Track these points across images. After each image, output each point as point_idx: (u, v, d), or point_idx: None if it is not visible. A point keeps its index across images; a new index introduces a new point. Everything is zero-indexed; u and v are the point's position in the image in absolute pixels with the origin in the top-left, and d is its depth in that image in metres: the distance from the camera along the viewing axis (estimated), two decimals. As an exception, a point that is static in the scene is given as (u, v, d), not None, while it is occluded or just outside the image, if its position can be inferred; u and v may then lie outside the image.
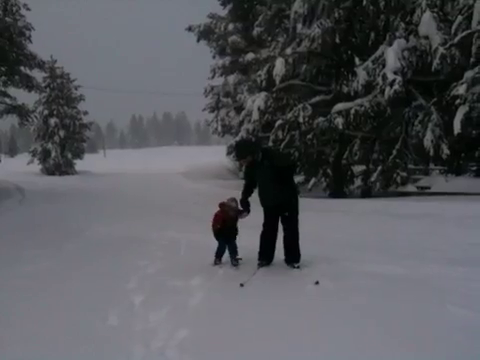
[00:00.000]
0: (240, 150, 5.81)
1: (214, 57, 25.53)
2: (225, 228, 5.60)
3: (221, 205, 5.63)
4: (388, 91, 11.88)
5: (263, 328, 3.64)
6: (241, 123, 19.99)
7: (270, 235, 5.64)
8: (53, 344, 3.50)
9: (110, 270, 5.64)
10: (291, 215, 5.54)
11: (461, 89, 10.91)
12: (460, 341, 3.25)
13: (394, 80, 11.75)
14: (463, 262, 5.21)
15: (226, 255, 5.74)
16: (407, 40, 12.37)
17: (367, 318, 3.72)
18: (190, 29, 24.82)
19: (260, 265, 5.58)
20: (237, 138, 20.32)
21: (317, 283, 4.66)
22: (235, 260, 5.66)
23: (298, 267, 5.44)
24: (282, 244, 5.58)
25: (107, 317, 3.97)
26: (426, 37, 12.02)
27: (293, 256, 5.53)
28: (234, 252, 5.72)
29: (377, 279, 4.73)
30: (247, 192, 5.75)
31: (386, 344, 3.25)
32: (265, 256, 5.69)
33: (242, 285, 4.73)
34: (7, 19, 15.76)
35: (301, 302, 4.21)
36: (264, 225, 5.72)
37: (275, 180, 5.41)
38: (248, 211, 5.62)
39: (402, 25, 12.75)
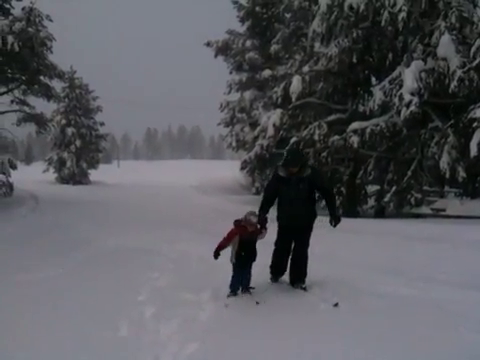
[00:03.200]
0: (297, 156, 5.45)
1: (231, 72, 25.74)
2: (246, 247, 4.97)
3: (237, 222, 5.00)
4: (404, 112, 11.84)
5: (273, 345, 3.60)
6: (255, 139, 20.03)
7: (285, 254, 5.46)
8: (61, 353, 3.49)
9: (121, 281, 5.64)
10: (307, 237, 5.38)
11: (478, 112, 10.83)
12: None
13: (411, 101, 11.71)
14: (477, 287, 5.10)
15: None
16: (425, 62, 12.34)
17: (380, 341, 3.66)
18: (208, 44, 25.08)
19: (272, 280, 5.59)
20: (251, 153, 20.36)
21: (336, 305, 4.57)
22: (247, 290, 5.09)
23: (305, 288, 5.29)
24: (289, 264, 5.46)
25: (117, 328, 3.98)
26: (444, 59, 11.99)
27: (300, 277, 5.38)
28: (247, 281, 5.14)
29: (389, 301, 4.67)
30: (267, 207, 5.37)
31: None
32: (279, 272, 5.60)
33: (258, 303, 4.68)
34: (30, 29, 16.04)
35: (313, 321, 4.17)
36: (278, 244, 5.51)
37: (307, 200, 5.27)
38: (266, 229, 5.19)
39: (420, 47, 12.74)
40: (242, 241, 4.94)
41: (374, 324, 4.00)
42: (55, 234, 9.93)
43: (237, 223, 4.99)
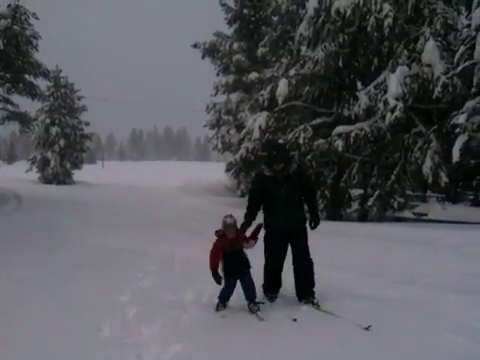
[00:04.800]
0: (282, 151, 4.93)
1: (218, 74, 25.74)
2: (228, 260, 4.51)
3: (217, 232, 4.57)
4: (389, 117, 11.96)
5: (257, 346, 3.62)
6: (241, 141, 20.03)
7: (280, 265, 4.93)
8: (42, 354, 3.46)
9: (103, 281, 5.60)
10: (305, 241, 4.91)
11: (461, 118, 10.99)
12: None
13: (395, 106, 11.83)
14: (457, 290, 5.19)
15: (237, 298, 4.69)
16: (410, 67, 12.49)
17: (360, 343, 3.70)
18: (195, 46, 25.06)
19: (271, 299, 4.93)
20: (237, 155, 20.34)
21: (368, 328, 3.96)
22: (254, 304, 4.52)
23: (317, 303, 4.70)
24: (293, 276, 4.92)
25: (100, 328, 3.95)
26: (429, 65, 12.14)
27: (309, 289, 4.84)
28: (251, 293, 4.57)
29: (370, 303, 4.71)
30: (253, 213, 4.87)
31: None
32: (275, 289, 5.03)
33: (295, 320, 4.21)
34: (15, 27, 15.89)
35: (301, 320, 4.20)
36: (269, 255, 4.93)
37: (296, 201, 4.86)
38: (256, 238, 4.66)
39: (405, 52, 12.89)
40: (226, 253, 4.50)
41: (355, 326, 4.03)
42: (38, 233, 9.82)
43: (217, 233, 4.57)
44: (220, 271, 4.54)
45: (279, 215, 4.82)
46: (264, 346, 3.61)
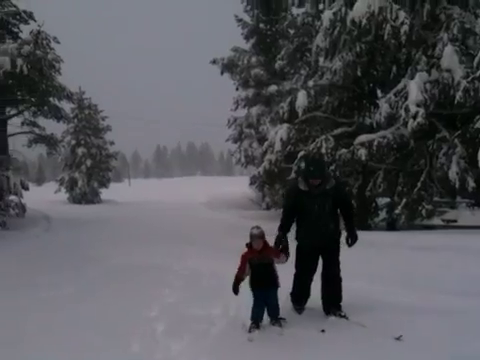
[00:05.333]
0: (320, 166, 4.87)
1: (237, 89, 26.00)
2: (255, 272, 4.43)
3: (247, 245, 4.53)
4: (411, 123, 11.86)
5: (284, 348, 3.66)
6: (264, 154, 20.08)
7: (309, 277, 4.92)
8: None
9: (132, 298, 5.71)
10: (336, 257, 4.88)
11: (485, 121, 10.86)
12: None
13: (417, 112, 11.74)
14: None
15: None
16: (429, 73, 12.41)
17: (397, 353, 3.70)
18: (214, 62, 25.40)
19: (299, 311, 4.95)
20: (260, 168, 20.42)
21: (399, 338, 3.97)
22: (277, 320, 4.50)
23: (345, 316, 4.70)
24: (320, 289, 4.94)
25: (129, 345, 4.04)
26: (448, 70, 12.04)
27: (336, 303, 4.84)
28: (275, 312, 4.52)
29: (401, 312, 4.68)
30: (288, 225, 4.87)
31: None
32: (303, 299, 5.01)
33: (323, 331, 4.22)
34: (38, 52, 16.42)
35: (330, 331, 4.21)
36: (300, 266, 4.92)
37: (333, 216, 4.80)
38: (288, 254, 4.69)
39: (424, 58, 12.81)
40: (253, 265, 4.45)
41: (385, 336, 4.02)
42: (67, 253, 10.05)
43: (247, 245, 4.54)
44: (247, 285, 4.51)
45: (311, 230, 4.77)
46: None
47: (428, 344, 3.79)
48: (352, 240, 4.87)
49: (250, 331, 4.36)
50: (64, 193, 33.95)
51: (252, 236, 4.47)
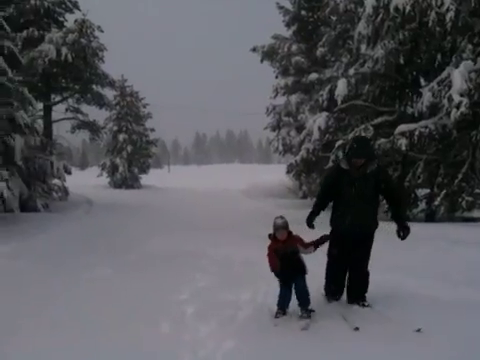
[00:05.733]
0: (365, 145, 4.63)
1: (277, 77, 25.82)
2: (280, 262, 4.31)
3: (270, 236, 4.46)
4: (454, 113, 11.50)
5: (309, 347, 3.68)
6: (302, 142, 19.95)
7: (343, 266, 4.71)
8: (108, 347, 3.73)
9: (164, 282, 5.86)
10: (368, 249, 4.64)
11: None
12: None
13: (460, 102, 11.36)
14: None
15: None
16: (475, 62, 11.96)
17: (415, 344, 3.67)
18: (254, 50, 25.27)
19: (330, 299, 4.77)
20: (297, 157, 20.31)
21: (419, 330, 3.89)
22: (305, 311, 4.36)
23: (368, 305, 4.60)
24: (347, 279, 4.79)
25: (158, 325, 4.17)
26: (495, 58, 11.60)
27: (361, 295, 4.68)
28: (304, 299, 4.39)
29: (428, 305, 4.64)
30: (323, 204, 4.71)
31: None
32: (337, 291, 4.79)
33: (357, 329, 4.01)
34: (82, 40, 16.85)
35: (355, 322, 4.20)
36: (333, 254, 4.69)
37: (371, 202, 4.54)
38: (317, 247, 4.46)
39: (470, 47, 12.36)
40: (278, 255, 4.31)
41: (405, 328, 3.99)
42: (106, 236, 10.36)
43: (270, 236, 4.46)
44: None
45: (345, 215, 4.53)
46: (314, 346, 3.67)
47: (448, 336, 3.74)
48: (404, 233, 4.55)
49: (276, 316, 4.34)
50: (105, 178, 34.84)
51: (276, 226, 4.36)
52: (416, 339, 3.77)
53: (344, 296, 4.86)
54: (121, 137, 33.75)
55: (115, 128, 33.94)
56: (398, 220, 4.59)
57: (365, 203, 4.49)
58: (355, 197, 4.45)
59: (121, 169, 33.56)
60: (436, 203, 12.91)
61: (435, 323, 4.05)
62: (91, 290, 5.47)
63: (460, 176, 12.48)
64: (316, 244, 4.46)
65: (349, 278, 4.77)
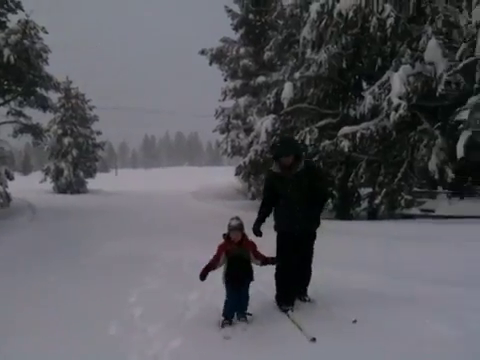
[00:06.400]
0: (290, 144, 4.73)
1: (225, 79, 26.03)
2: (231, 263, 4.22)
3: (224, 235, 4.35)
4: (393, 115, 12.04)
5: (252, 340, 3.80)
6: (250, 144, 20.22)
7: (293, 271, 4.61)
8: (55, 351, 3.70)
9: (113, 286, 5.84)
10: (311, 249, 4.74)
11: (464, 114, 11.06)
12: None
13: (399, 105, 11.91)
14: (456, 283, 5.35)
15: None
16: (413, 66, 12.56)
17: (360, 334, 3.88)
18: (203, 52, 25.36)
19: (286, 311, 4.51)
20: (246, 159, 20.51)
21: (355, 322, 4.09)
22: (243, 315, 4.32)
23: (309, 300, 4.78)
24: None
25: (107, 328, 4.18)
26: (431, 63, 12.21)
27: (304, 289, 4.85)
28: (244, 304, 4.35)
29: (371, 297, 4.87)
30: (267, 210, 4.70)
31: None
32: (291, 300, 4.66)
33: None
34: (25, 42, 16.31)
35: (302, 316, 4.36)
36: (281, 259, 4.55)
37: (309, 201, 4.54)
38: (265, 262, 4.41)
39: (408, 51, 12.96)
40: (229, 257, 4.24)
41: (355, 318, 4.19)
42: (52, 243, 10.11)
43: (224, 236, 4.34)
44: (222, 279, 4.33)
45: (285, 217, 4.57)
46: (255, 342, 3.80)
47: (384, 327, 3.98)
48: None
49: (223, 326, 4.20)
50: (50, 183, 33.79)
51: (231, 227, 4.27)
52: (349, 328, 3.97)
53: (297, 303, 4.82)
54: (66, 140, 32.83)
55: (60, 131, 32.97)
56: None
57: (303, 202, 4.53)
58: (292, 198, 4.53)
59: (66, 173, 32.65)
60: (377, 201, 13.46)
61: (370, 313, 4.28)
62: (39, 296, 5.39)
63: (399, 175, 13.08)
64: (266, 261, 4.41)
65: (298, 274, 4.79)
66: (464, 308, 4.40)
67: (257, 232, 4.65)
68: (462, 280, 5.46)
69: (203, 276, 4.25)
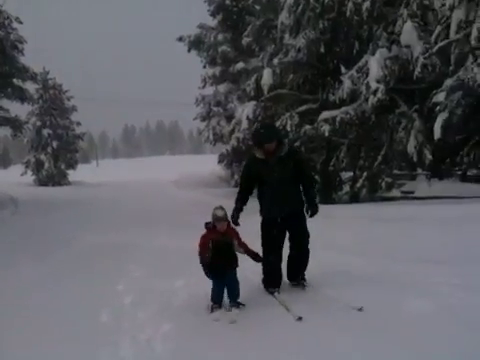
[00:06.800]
0: (272, 130, 4.81)
1: (205, 66, 25.88)
2: (216, 251, 4.23)
3: (207, 225, 4.33)
4: (372, 99, 12.18)
5: (241, 321, 3.94)
6: (232, 132, 20.27)
7: (278, 256, 4.73)
8: (50, 339, 3.78)
9: (101, 275, 5.93)
10: (303, 226, 4.76)
11: (441, 96, 11.23)
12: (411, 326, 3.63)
13: (377, 88, 12.05)
14: (429, 260, 5.62)
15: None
16: (390, 49, 12.69)
17: (338, 310, 4.05)
18: (181, 39, 25.13)
19: (272, 293, 4.67)
20: (228, 146, 20.58)
21: (361, 309, 4.02)
22: (235, 304, 4.33)
23: (309, 285, 4.82)
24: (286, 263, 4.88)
25: (98, 316, 4.26)
26: (407, 46, 12.36)
27: (300, 272, 4.87)
28: (234, 292, 4.36)
29: (351, 277, 5.06)
30: (244, 198, 4.73)
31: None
32: (276, 283, 4.78)
33: (300, 319, 3.92)
34: (-1, 32, 16.03)
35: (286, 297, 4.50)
36: (267, 245, 4.69)
37: (290, 184, 4.62)
38: (236, 222, 4.57)
39: (385, 35, 13.09)
40: (214, 244, 4.23)
41: (333, 296, 4.36)
42: (36, 235, 10.08)
43: (207, 225, 4.33)
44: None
45: (273, 200, 4.61)
46: (244, 323, 3.94)
47: (367, 305, 4.13)
48: (312, 211, 4.71)
49: (212, 311, 4.25)
50: (30, 176, 33.38)
51: (216, 218, 4.24)
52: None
53: (284, 285, 4.91)
54: (45, 132, 32.43)
55: (39, 123, 32.52)
56: (308, 199, 4.76)
57: (288, 185, 4.62)
58: (277, 182, 4.57)
59: (47, 165, 32.30)
60: (358, 185, 13.69)
61: (354, 295, 4.45)
62: (25, 287, 5.43)
63: (379, 158, 13.28)
64: (248, 251, 4.45)
65: (290, 257, 4.86)
66: (440, 284, 4.62)
67: (237, 222, 4.68)
68: (438, 258, 5.69)
69: (208, 273, 4.30)
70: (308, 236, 4.79)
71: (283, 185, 4.59)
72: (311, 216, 4.74)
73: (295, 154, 4.81)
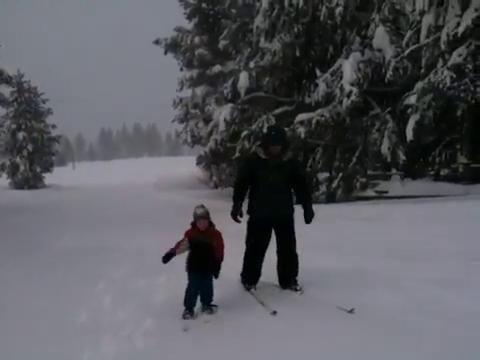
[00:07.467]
0: (281, 133, 4.82)
1: (182, 69, 25.96)
2: (193, 250, 4.21)
3: (192, 223, 4.29)
4: (346, 102, 12.51)
5: (218, 319, 4.08)
6: (210, 134, 20.40)
7: (261, 254, 4.81)
8: (30, 339, 3.84)
9: (79, 276, 5.95)
10: (292, 231, 4.83)
11: (412, 99, 11.62)
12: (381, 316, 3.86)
13: (351, 91, 12.38)
14: (398, 256, 5.90)
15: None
16: (363, 53, 13.05)
17: (317, 305, 4.26)
18: (157, 42, 25.17)
19: (249, 289, 4.80)
20: (206, 148, 20.67)
21: (352, 311, 4.04)
22: (208, 307, 4.30)
23: (301, 289, 4.76)
24: (276, 265, 4.91)
25: (77, 315, 4.34)
26: (380, 50, 12.74)
27: (292, 278, 4.88)
28: (207, 295, 4.32)
29: (322, 273, 5.28)
30: (242, 195, 4.80)
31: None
32: (254, 279, 4.90)
33: (275, 312, 4.06)
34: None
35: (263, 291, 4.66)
36: (252, 242, 4.80)
37: (283, 189, 4.71)
38: (236, 219, 4.67)
39: (358, 39, 13.46)
40: (193, 244, 4.21)
41: (311, 293, 4.54)
42: (13, 237, 10.02)
43: (192, 225, 4.29)
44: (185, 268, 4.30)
45: (264, 202, 4.69)
46: (221, 319, 4.10)
47: (340, 300, 4.31)
48: (309, 218, 4.78)
49: (184, 317, 4.16)
50: (6, 179, 32.89)
51: (196, 216, 4.22)
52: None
53: (261, 283, 4.96)
54: (20, 135, 32.03)
55: (13, 126, 32.16)
56: (305, 206, 4.82)
57: (281, 190, 4.70)
58: (272, 185, 4.64)
59: (22, 169, 31.89)
60: (334, 185, 14.00)
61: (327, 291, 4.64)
62: (7, 289, 5.46)
63: (354, 159, 13.63)
64: (218, 261, 4.31)
65: (279, 262, 4.91)
66: (408, 279, 4.85)
67: (237, 219, 4.77)
68: (407, 254, 5.95)
69: (165, 259, 4.24)
70: (295, 240, 4.87)
71: (277, 188, 4.67)
72: (307, 223, 4.82)
73: (294, 162, 4.94)
